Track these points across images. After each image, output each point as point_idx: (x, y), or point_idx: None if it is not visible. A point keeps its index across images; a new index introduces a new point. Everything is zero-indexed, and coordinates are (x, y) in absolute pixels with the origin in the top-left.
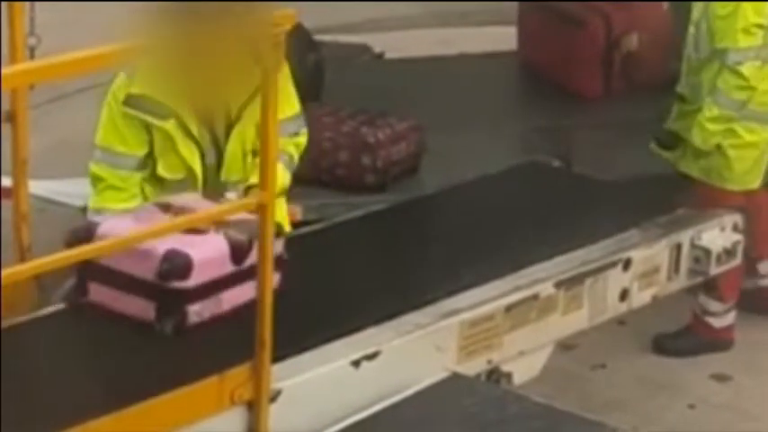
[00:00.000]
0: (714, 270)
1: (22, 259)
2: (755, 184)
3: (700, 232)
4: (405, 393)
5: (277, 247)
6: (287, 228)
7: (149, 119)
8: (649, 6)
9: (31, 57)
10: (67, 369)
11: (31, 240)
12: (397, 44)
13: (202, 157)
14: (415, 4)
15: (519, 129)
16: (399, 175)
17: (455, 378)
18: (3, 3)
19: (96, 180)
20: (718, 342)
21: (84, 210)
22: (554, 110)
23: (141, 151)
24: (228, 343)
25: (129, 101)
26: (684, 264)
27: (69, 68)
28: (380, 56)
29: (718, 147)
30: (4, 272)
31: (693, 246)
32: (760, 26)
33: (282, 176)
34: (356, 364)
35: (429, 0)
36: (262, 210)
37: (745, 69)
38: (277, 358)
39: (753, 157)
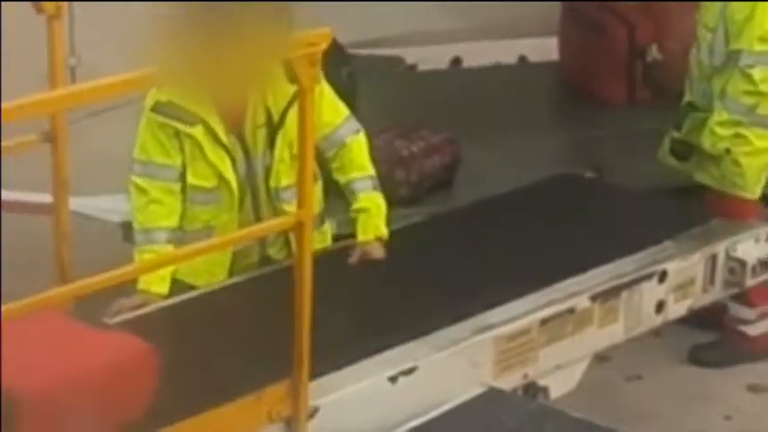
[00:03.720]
0: (750, 281)
1: (63, 279)
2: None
3: (734, 243)
4: (442, 409)
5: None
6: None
7: (177, 125)
8: (677, 14)
9: (72, 77)
10: None
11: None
12: (430, 56)
13: (233, 163)
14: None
15: (552, 139)
16: (433, 188)
17: (492, 393)
18: (46, 22)
19: (139, 193)
20: (754, 351)
21: (123, 226)
22: (584, 120)
23: (179, 161)
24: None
25: (157, 107)
26: (720, 275)
27: (109, 91)
28: (413, 67)
29: (728, 152)
30: (46, 294)
31: (728, 257)
32: None
33: (377, 199)
34: (393, 379)
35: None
36: (299, 228)
37: (756, 73)
38: (314, 375)
39: (765, 164)
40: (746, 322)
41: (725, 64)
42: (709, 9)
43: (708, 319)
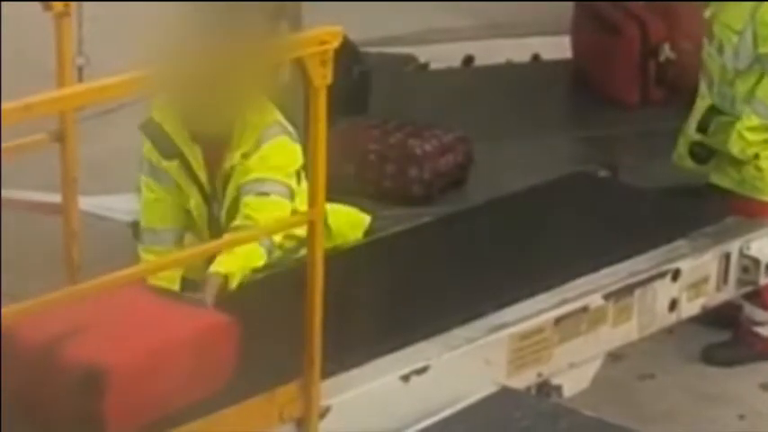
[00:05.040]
0: (763, 279)
1: (73, 278)
2: None
3: (748, 242)
4: (454, 408)
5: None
6: None
7: (154, 159)
8: (690, 13)
9: (80, 77)
10: None
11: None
12: (442, 55)
13: (206, 201)
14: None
15: (565, 138)
16: (446, 187)
17: (505, 392)
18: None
19: (147, 191)
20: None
21: (132, 225)
22: (598, 119)
23: (178, 224)
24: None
25: (147, 126)
26: (733, 273)
27: (117, 90)
28: (426, 66)
29: (757, 157)
30: (58, 294)
31: (742, 255)
32: None
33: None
34: (405, 378)
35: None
36: (311, 227)
37: None
38: (326, 374)
39: None
40: (761, 324)
41: (751, 67)
42: (733, 11)
43: (721, 318)
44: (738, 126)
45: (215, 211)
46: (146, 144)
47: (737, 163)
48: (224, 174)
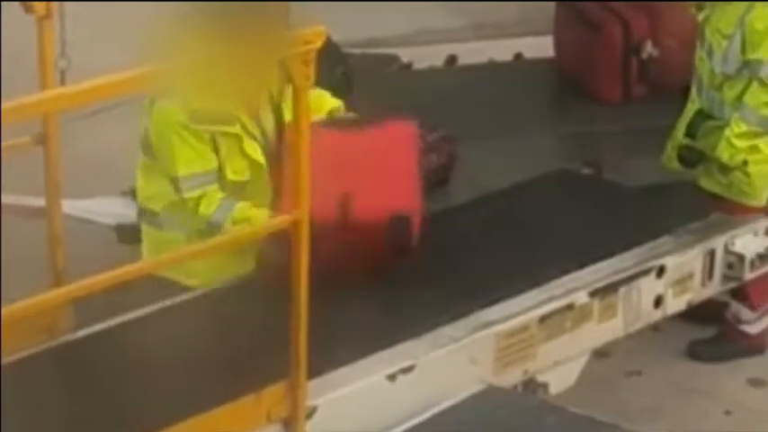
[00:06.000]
0: (748, 275)
1: (57, 282)
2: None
3: (733, 238)
4: (441, 406)
5: None
6: None
7: (220, 128)
8: (672, 10)
9: (62, 79)
10: None
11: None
12: (425, 55)
13: (263, 150)
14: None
15: (548, 136)
16: (430, 187)
17: (491, 390)
18: (35, 22)
19: (200, 202)
20: (753, 348)
21: (117, 228)
22: (581, 116)
23: (216, 163)
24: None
25: (196, 117)
26: (718, 269)
27: (100, 93)
28: (409, 66)
29: (746, 164)
30: (44, 296)
31: (727, 251)
32: None
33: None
34: (392, 378)
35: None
36: (296, 227)
37: None
38: (313, 374)
39: None
40: (747, 322)
41: (739, 72)
42: (723, 15)
43: (706, 314)
44: (727, 133)
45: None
46: (179, 161)
47: (726, 168)
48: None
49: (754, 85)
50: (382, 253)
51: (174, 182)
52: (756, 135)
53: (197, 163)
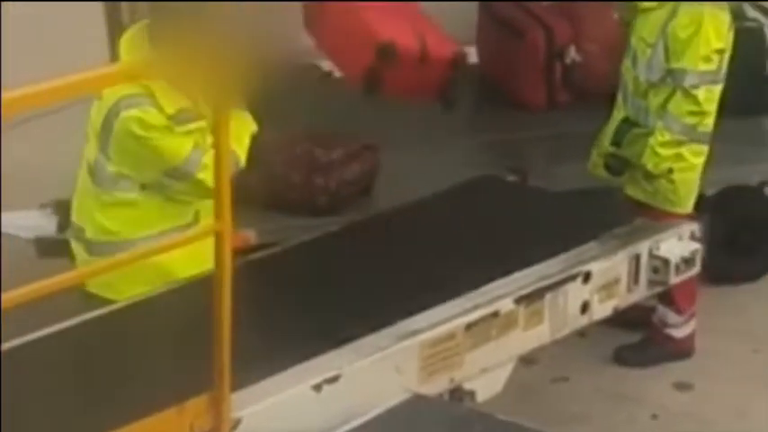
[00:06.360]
0: (674, 279)
1: None
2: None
3: (658, 242)
4: (367, 416)
5: None
6: None
7: (199, 126)
8: (595, 15)
9: None
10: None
11: None
12: None
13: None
14: None
15: (472, 143)
16: (353, 196)
17: (417, 399)
18: None
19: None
20: (680, 352)
21: (35, 242)
22: (505, 123)
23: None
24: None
25: (177, 118)
26: (644, 274)
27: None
28: (329, 75)
29: (671, 172)
30: None
31: (652, 256)
32: (720, 51)
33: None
34: (317, 388)
35: None
36: (218, 238)
37: (701, 94)
38: (236, 386)
39: (695, 179)
40: (673, 326)
41: (663, 80)
42: (646, 22)
43: (632, 319)
44: (651, 142)
45: None
46: (179, 150)
47: (651, 175)
48: None
49: (678, 93)
50: (446, 82)
51: (173, 171)
52: (680, 143)
53: (187, 144)
